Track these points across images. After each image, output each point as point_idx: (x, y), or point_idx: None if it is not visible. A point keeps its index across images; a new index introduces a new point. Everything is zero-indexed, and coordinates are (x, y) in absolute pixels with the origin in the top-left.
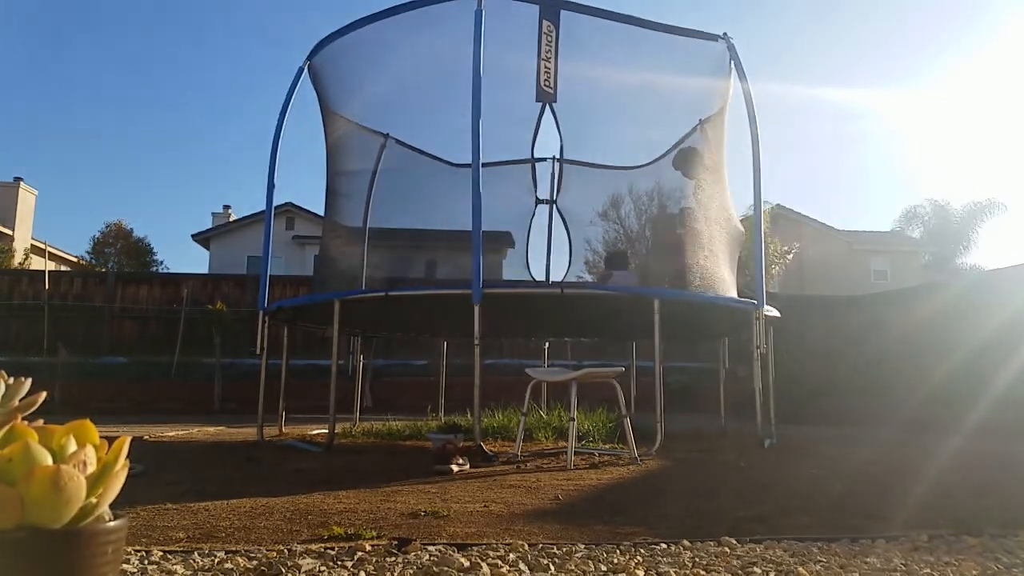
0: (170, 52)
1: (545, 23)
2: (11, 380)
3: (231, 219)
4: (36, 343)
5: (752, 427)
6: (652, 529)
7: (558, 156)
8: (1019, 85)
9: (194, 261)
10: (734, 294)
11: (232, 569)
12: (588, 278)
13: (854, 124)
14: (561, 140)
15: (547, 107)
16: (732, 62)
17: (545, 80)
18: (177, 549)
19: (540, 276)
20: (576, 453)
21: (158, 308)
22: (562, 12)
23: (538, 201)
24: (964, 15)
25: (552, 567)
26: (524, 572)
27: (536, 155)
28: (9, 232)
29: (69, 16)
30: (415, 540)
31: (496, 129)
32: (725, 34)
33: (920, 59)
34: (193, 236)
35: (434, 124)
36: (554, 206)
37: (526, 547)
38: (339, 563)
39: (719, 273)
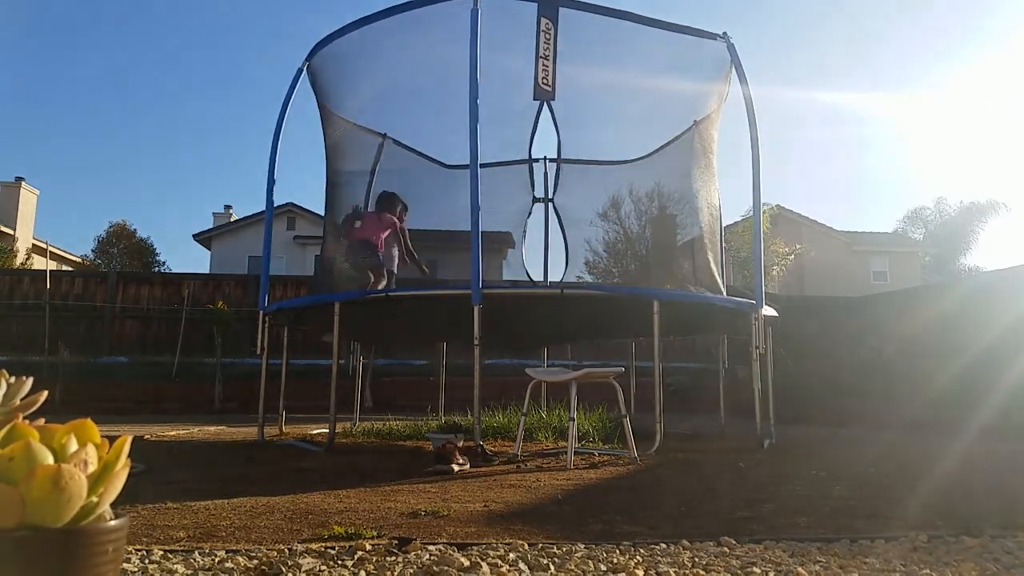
0: (172, 52)
1: (544, 21)
2: (12, 379)
3: (232, 219)
4: (37, 343)
5: (751, 427)
6: (652, 529)
7: (554, 155)
8: (1020, 87)
9: (195, 261)
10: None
11: (233, 568)
12: (588, 278)
13: (855, 127)
14: (559, 138)
15: (545, 106)
16: (732, 62)
17: (543, 78)
18: (178, 548)
19: (538, 278)
20: (576, 453)
21: (159, 308)
22: (561, 9)
23: (535, 200)
24: (964, 18)
25: (552, 567)
26: (524, 572)
27: (534, 154)
28: (11, 232)
29: (73, 16)
30: (415, 539)
31: (494, 129)
32: (725, 33)
33: (920, 62)
34: (194, 236)
35: (432, 124)
36: (550, 205)
37: (526, 547)
38: (339, 562)
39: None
